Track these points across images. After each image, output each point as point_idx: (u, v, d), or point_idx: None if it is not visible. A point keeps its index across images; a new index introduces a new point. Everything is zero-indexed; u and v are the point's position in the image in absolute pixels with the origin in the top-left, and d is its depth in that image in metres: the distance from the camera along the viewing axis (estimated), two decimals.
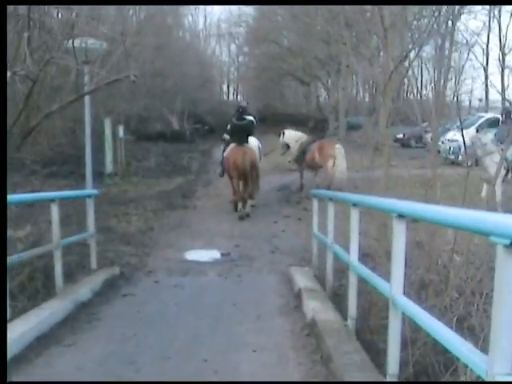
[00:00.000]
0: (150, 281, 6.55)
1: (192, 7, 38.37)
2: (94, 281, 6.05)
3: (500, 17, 35.03)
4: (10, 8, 8.08)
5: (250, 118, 11.53)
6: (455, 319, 3.19)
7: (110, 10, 15.17)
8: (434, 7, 9.12)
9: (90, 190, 8.14)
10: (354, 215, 4.27)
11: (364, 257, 4.70)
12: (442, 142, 12.59)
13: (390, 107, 6.60)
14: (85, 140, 8.81)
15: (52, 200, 5.25)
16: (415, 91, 19.34)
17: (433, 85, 32.29)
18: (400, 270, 3.03)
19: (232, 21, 41.46)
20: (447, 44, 18.96)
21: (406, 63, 7.27)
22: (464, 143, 6.80)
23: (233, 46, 50.76)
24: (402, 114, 10.21)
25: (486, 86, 35.85)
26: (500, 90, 31.42)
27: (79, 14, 10.15)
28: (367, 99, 42.39)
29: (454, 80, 29.48)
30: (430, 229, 4.35)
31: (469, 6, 23.87)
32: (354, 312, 4.32)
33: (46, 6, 9.39)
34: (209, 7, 47.08)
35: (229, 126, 11.40)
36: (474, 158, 9.56)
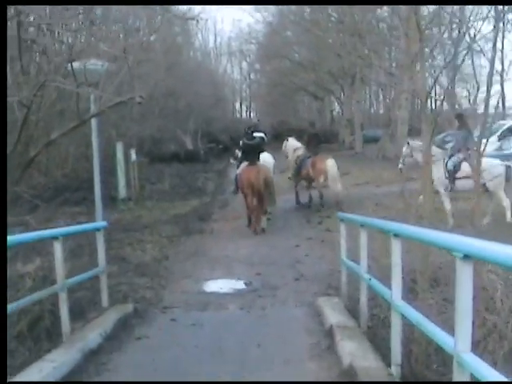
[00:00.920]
0: (167, 318, 6.00)
1: (201, 26, 38.26)
2: (105, 322, 5.52)
3: None
4: None
5: (260, 134, 11.82)
6: None
7: (113, 26, 14.78)
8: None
9: (98, 222, 7.70)
10: (396, 247, 3.72)
11: (409, 293, 4.14)
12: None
13: (431, 119, 6.05)
14: (93, 166, 8.41)
15: (55, 238, 4.76)
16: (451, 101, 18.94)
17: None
18: (467, 322, 2.48)
19: (242, 38, 41.39)
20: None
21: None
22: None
23: (244, 64, 50.90)
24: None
25: (503, 91, 34.99)
26: None
27: (79, 30, 9.69)
28: (381, 111, 41.88)
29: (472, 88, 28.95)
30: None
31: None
32: (399, 358, 3.77)
33: (41, 26, 8.90)
34: (219, 25, 47.16)
35: (241, 143, 11.73)
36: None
